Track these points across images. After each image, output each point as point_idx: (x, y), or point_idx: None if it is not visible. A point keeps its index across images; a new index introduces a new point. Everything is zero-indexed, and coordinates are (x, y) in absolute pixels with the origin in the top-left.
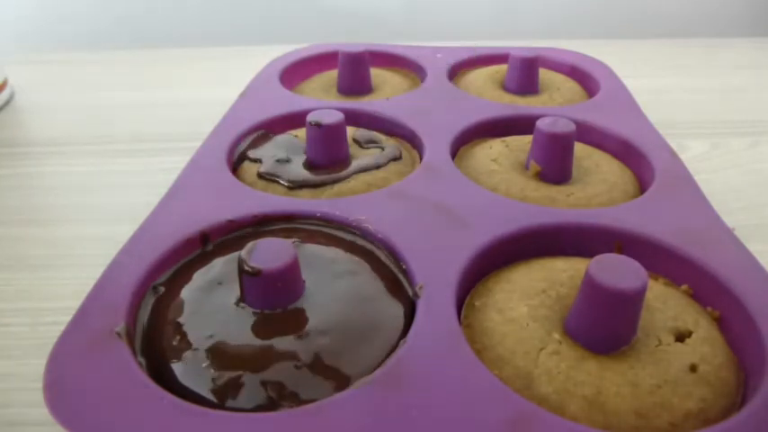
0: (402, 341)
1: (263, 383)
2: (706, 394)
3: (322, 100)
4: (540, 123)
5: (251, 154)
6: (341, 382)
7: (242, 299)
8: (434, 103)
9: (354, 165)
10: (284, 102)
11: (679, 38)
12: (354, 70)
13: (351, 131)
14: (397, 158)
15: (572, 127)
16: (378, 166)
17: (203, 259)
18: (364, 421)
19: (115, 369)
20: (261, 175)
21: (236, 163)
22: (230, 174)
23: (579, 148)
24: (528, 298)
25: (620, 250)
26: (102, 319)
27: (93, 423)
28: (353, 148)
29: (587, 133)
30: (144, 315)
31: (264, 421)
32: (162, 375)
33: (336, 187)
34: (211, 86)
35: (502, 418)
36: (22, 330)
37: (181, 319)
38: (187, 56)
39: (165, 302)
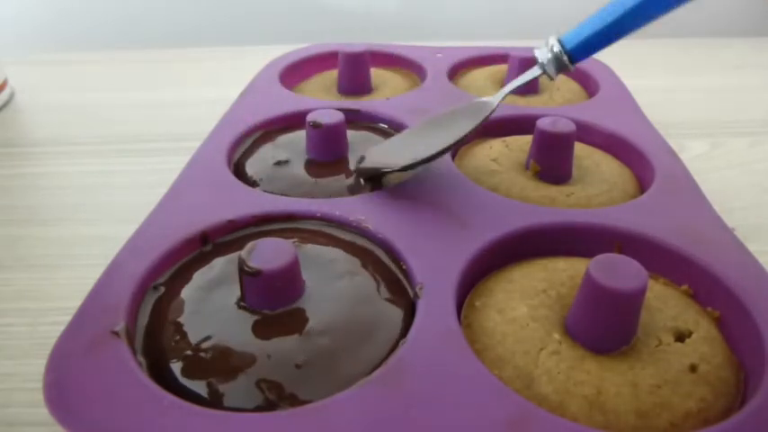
0: (402, 341)
1: (264, 383)
2: (706, 394)
3: (322, 100)
4: (540, 123)
5: (248, 166)
6: (341, 382)
7: (242, 299)
8: (434, 103)
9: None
10: (284, 102)
11: (679, 38)
12: (354, 70)
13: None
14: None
15: (572, 127)
16: None
17: (203, 259)
18: (364, 421)
19: (115, 369)
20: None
21: (236, 164)
22: (230, 174)
23: (579, 148)
24: (528, 298)
25: (620, 250)
26: (102, 319)
27: (92, 423)
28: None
29: (587, 133)
30: (144, 315)
31: (264, 421)
32: (162, 375)
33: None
34: (211, 86)
35: (502, 418)
36: (22, 330)
37: (181, 319)
38: (187, 56)
39: (165, 302)
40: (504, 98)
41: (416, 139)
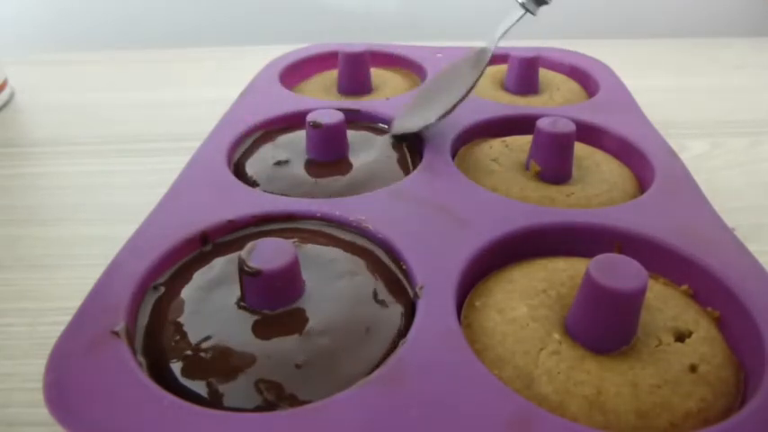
0: (402, 341)
1: (264, 383)
2: (706, 394)
3: (322, 100)
4: (540, 123)
5: (248, 166)
6: (341, 382)
7: (242, 299)
8: None
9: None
10: (284, 102)
11: (679, 38)
12: (354, 70)
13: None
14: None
15: (572, 127)
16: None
17: (203, 259)
18: (364, 421)
19: (115, 369)
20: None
21: (236, 164)
22: (230, 174)
23: (579, 148)
24: (528, 298)
25: (620, 250)
26: (102, 319)
27: (92, 423)
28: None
29: (587, 133)
30: (144, 315)
31: (264, 421)
32: (162, 375)
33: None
34: (211, 86)
35: (502, 418)
36: (22, 330)
37: (181, 319)
38: (187, 56)
39: (165, 302)
40: (498, 41)
41: (432, 98)
